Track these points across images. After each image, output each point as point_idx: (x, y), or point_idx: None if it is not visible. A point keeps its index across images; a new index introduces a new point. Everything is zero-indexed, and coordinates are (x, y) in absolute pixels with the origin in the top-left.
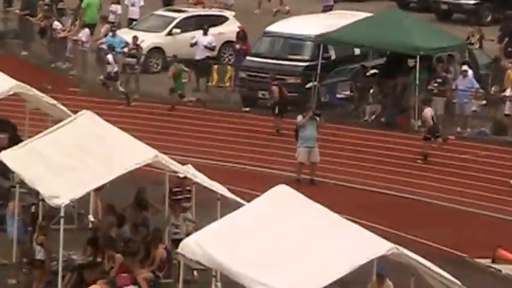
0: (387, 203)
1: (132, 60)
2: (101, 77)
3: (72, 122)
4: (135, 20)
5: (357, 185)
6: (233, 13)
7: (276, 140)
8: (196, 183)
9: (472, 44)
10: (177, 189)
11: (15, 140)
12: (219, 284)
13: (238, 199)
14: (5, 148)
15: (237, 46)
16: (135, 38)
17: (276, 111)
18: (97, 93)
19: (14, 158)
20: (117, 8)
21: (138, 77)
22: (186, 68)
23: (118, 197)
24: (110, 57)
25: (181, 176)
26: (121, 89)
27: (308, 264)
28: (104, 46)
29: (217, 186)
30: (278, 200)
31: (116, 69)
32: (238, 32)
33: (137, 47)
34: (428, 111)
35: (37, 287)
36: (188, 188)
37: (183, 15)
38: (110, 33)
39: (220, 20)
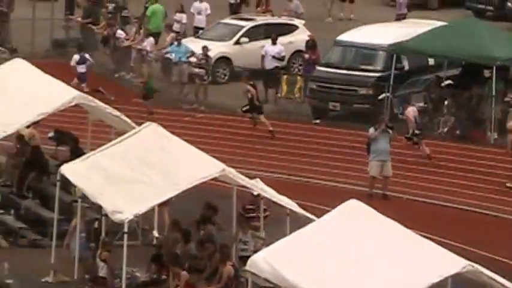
0: (461, 219)
1: (201, 71)
2: (76, 80)
3: (136, 134)
4: (201, 28)
5: (431, 200)
6: (303, 21)
7: (347, 153)
8: (265, 198)
9: None
10: (251, 206)
11: (76, 152)
12: None
13: (308, 214)
14: (66, 161)
15: (306, 56)
16: (205, 48)
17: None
18: (162, 104)
19: (76, 171)
20: (182, 16)
21: (207, 88)
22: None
23: (183, 212)
24: (76, 57)
25: (255, 193)
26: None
27: (380, 282)
28: (169, 55)
29: (286, 201)
30: (349, 216)
31: (83, 70)
32: (307, 41)
33: (207, 57)
34: (410, 111)
35: None
36: (264, 207)
37: (251, 24)
38: (175, 42)
39: (289, 29)
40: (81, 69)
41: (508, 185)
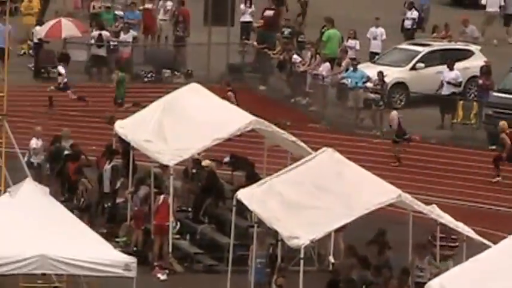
0: None
1: (376, 96)
2: (52, 87)
3: (313, 160)
4: (377, 53)
5: None
6: (479, 47)
7: None
8: (441, 224)
9: None
10: (440, 235)
11: (252, 178)
12: None
13: (485, 241)
14: (242, 186)
15: (480, 81)
16: (380, 73)
17: None
18: (338, 129)
19: (252, 196)
20: (356, 43)
21: (382, 114)
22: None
23: (359, 237)
24: (60, 68)
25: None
26: (73, 96)
27: None
28: (345, 81)
29: (462, 228)
30: None
31: (65, 80)
32: (482, 67)
33: (382, 82)
34: (394, 115)
35: None
36: (454, 236)
37: (427, 49)
38: (351, 68)
39: (465, 54)
40: (65, 78)
41: None
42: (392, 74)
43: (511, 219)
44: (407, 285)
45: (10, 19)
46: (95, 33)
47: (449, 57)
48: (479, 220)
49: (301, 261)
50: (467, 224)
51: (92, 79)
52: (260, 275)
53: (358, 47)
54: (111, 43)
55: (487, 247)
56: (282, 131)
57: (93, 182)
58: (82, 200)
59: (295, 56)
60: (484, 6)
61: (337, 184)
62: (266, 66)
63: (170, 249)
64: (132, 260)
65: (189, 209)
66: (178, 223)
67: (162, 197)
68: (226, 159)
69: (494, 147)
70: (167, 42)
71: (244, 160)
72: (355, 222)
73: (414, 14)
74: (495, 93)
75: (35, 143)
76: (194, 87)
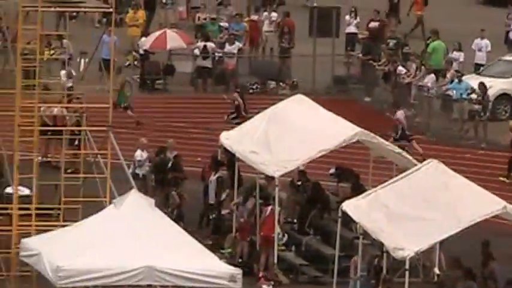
0: None
1: (479, 107)
2: None
3: (417, 171)
4: (482, 65)
5: None
6: None
7: None
8: None
9: None
10: None
11: (358, 189)
12: None
13: None
14: (347, 198)
15: None
16: (481, 84)
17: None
18: (443, 141)
19: (357, 208)
20: (460, 55)
21: (486, 125)
22: (129, 79)
23: (461, 249)
24: (63, 72)
25: None
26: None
27: None
28: (450, 92)
29: None
30: None
31: (70, 84)
32: None
33: (484, 93)
34: (400, 114)
35: None
36: None
37: None
38: (456, 79)
39: None
40: (69, 83)
41: None
42: (496, 86)
43: None
44: None
45: (115, 30)
46: (200, 44)
47: None
48: None
49: (406, 273)
50: None
51: (197, 90)
52: (365, 287)
53: (462, 58)
54: (216, 54)
55: None
56: (387, 143)
57: (190, 194)
58: (171, 211)
59: (400, 68)
60: None
61: (442, 196)
62: (371, 78)
63: (276, 261)
64: (237, 271)
65: (295, 221)
66: (286, 235)
67: (269, 208)
68: (332, 170)
69: None
70: (272, 53)
71: (349, 171)
72: (458, 234)
73: None
74: None
75: (139, 154)
76: (299, 98)
